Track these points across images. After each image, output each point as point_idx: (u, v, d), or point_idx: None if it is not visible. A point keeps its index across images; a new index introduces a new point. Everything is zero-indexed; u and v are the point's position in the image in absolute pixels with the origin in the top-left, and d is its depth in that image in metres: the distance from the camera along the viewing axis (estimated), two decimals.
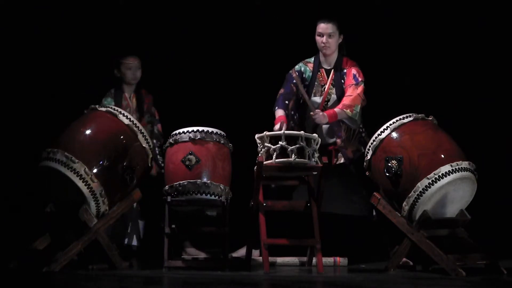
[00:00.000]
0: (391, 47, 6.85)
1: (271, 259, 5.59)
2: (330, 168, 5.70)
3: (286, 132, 5.32)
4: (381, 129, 5.46)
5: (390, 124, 5.44)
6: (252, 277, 5.08)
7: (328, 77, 5.95)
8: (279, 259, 5.86)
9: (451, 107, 6.64)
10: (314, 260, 5.62)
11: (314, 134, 5.41)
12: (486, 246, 5.34)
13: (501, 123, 6.80)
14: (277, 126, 5.76)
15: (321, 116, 5.77)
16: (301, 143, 5.29)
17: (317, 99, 5.94)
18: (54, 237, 5.37)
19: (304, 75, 5.96)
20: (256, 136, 5.39)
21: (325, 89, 5.94)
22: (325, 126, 5.93)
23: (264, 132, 5.35)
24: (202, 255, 5.98)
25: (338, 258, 5.87)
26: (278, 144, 5.30)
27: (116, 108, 5.49)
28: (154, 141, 6.03)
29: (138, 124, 5.45)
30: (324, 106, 5.94)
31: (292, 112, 5.91)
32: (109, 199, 5.30)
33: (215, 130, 5.53)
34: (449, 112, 6.32)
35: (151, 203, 5.83)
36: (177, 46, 6.90)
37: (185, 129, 5.52)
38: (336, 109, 5.81)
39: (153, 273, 5.29)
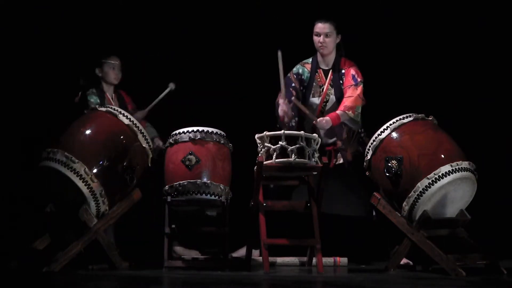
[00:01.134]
0: (391, 47, 6.85)
1: (271, 259, 5.59)
2: (329, 168, 5.69)
3: (286, 132, 5.32)
4: (381, 129, 5.46)
5: (390, 124, 5.44)
6: (252, 277, 5.08)
7: (326, 78, 5.95)
8: (279, 259, 5.86)
9: (451, 107, 6.64)
10: (314, 260, 5.62)
11: (314, 134, 5.41)
12: (486, 246, 5.34)
13: (501, 123, 6.79)
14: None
15: (324, 123, 5.76)
16: (301, 143, 5.29)
17: (316, 100, 5.94)
18: (54, 237, 5.37)
19: (302, 77, 5.96)
20: (256, 136, 5.39)
21: (324, 90, 5.94)
22: None
23: (264, 132, 5.35)
24: (192, 254, 5.97)
25: (338, 258, 5.87)
26: (278, 144, 5.30)
27: (116, 108, 5.49)
28: None
29: (138, 124, 5.45)
30: (322, 107, 5.93)
31: (293, 113, 5.90)
32: (109, 199, 5.30)
33: (215, 130, 5.54)
34: (449, 112, 6.31)
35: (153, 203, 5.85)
36: (177, 46, 6.90)
37: (185, 129, 5.53)
38: (338, 111, 5.80)
39: (153, 273, 5.29)
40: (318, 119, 5.78)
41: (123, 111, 5.47)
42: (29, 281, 4.80)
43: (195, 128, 5.52)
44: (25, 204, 6.35)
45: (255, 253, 5.76)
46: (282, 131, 5.31)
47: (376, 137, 5.46)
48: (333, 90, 5.93)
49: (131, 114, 5.59)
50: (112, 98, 6.21)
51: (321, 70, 5.97)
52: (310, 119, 5.83)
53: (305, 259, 5.78)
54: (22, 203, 6.39)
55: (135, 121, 5.45)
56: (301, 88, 5.94)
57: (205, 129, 5.52)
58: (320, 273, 5.24)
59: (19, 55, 6.66)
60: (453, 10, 6.83)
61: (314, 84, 5.95)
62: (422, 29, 6.86)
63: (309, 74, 5.96)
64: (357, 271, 5.55)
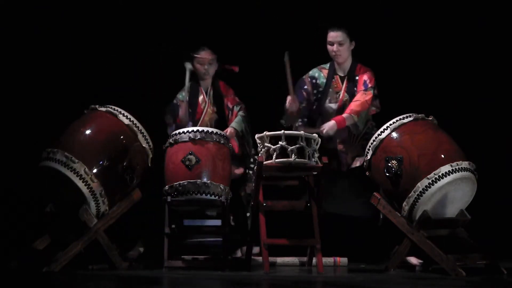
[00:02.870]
0: (391, 48, 6.85)
1: (271, 259, 5.59)
2: (342, 171, 5.66)
3: (286, 132, 5.32)
4: (381, 129, 5.46)
5: (390, 124, 5.44)
6: (252, 277, 5.08)
7: (342, 84, 5.94)
8: (279, 259, 5.86)
9: (451, 107, 6.64)
10: (314, 260, 5.62)
11: (314, 134, 5.41)
12: (486, 246, 5.34)
13: (501, 123, 6.79)
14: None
15: (329, 129, 5.74)
16: (301, 143, 5.29)
17: (333, 106, 5.93)
18: (54, 237, 5.37)
19: (317, 81, 5.96)
20: (256, 136, 5.39)
21: (340, 97, 5.93)
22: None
23: (264, 132, 5.35)
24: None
25: (338, 258, 5.87)
26: (278, 144, 5.30)
27: (116, 108, 5.49)
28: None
29: (138, 124, 5.45)
30: (339, 113, 5.90)
31: (300, 109, 5.89)
32: (109, 199, 5.30)
33: (215, 130, 5.54)
34: (449, 112, 6.31)
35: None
36: (177, 46, 6.89)
37: (185, 129, 5.52)
38: (344, 115, 5.79)
39: (153, 273, 5.29)
40: (321, 128, 5.75)
41: (123, 111, 5.46)
42: (29, 281, 4.80)
43: (195, 128, 5.52)
44: (25, 204, 6.35)
45: (256, 249, 5.72)
46: (282, 131, 5.31)
47: (376, 137, 5.45)
48: (348, 97, 5.92)
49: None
50: (207, 92, 6.16)
51: (338, 76, 5.97)
52: (290, 93, 5.78)
53: (305, 259, 5.78)
54: (22, 203, 6.39)
55: (135, 121, 5.45)
56: (315, 92, 5.94)
57: (205, 129, 5.51)
58: (320, 273, 5.24)
59: (20, 55, 6.66)
60: (453, 10, 6.83)
61: (330, 90, 5.95)
62: (422, 29, 6.86)
63: (325, 80, 5.95)
64: (357, 271, 5.55)
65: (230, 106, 6.14)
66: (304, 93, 5.92)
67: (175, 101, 6.12)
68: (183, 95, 6.11)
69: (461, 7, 6.80)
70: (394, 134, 5.42)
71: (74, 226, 5.27)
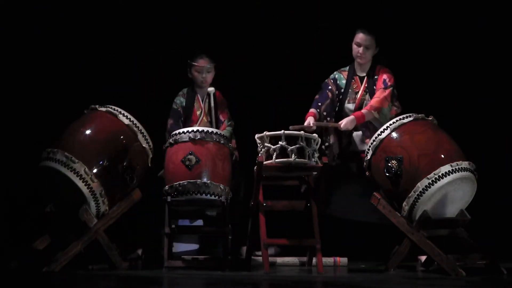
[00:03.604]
0: (391, 47, 6.84)
1: (271, 259, 5.59)
2: (364, 177, 5.62)
3: (286, 132, 5.32)
4: (381, 129, 5.46)
5: (390, 124, 5.44)
6: (252, 277, 5.08)
7: (361, 84, 5.95)
8: (279, 259, 5.86)
9: (451, 107, 6.64)
10: (314, 260, 5.62)
11: (314, 134, 5.41)
12: (486, 246, 5.34)
13: (501, 123, 6.79)
14: (305, 122, 5.75)
15: (348, 123, 5.74)
16: (301, 143, 5.29)
17: (350, 106, 5.94)
18: (54, 237, 5.37)
19: (338, 82, 5.97)
20: (256, 136, 5.39)
21: (358, 96, 5.94)
22: (359, 133, 5.89)
23: (264, 132, 5.34)
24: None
25: (338, 258, 5.87)
26: (278, 144, 5.30)
27: (116, 108, 5.49)
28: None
29: (138, 124, 5.45)
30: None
31: (325, 113, 5.89)
32: (109, 199, 5.30)
33: (215, 130, 5.54)
34: (449, 112, 6.31)
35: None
36: (179, 47, 6.90)
37: (185, 129, 5.52)
38: (363, 110, 5.79)
39: (153, 273, 5.29)
40: (341, 123, 5.75)
41: (123, 111, 5.46)
42: (29, 281, 4.80)
43: (195, 128, 5.52)
44: (25, 204, 6.35)
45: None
46: (282, 131, 5.31)
47: (376, 137, 5.45)
48: (367, 95, 5.92)
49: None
50: (203, 100, 6.16)
51: (357, 77, 5.97)
52: (334, 127, 5.81)
53: (305, 259, 5.78)
54: (22, 203, 6.39)
55: (135, 121, 5.45)
56: (337, 93, 5.94)
57: (205, 129, 5.51)
58: (320, 273, 5.24)
59: (20, 55, 6.65)
60: (453, 10, 6.83)
61: (350, 90, 5.95)
62: (422, 29, 6.86)
63: (345, 81, 5.96)
64: (357, 271, 5.55)
65: (222, 119, 6.14)
66: (329, 94, 5.93)
67: (175, 106, 6.12)
68: (181, 100, 6.12)
69: (461, 7, 6.80)
70: (394, 134, 5.42)
71: (74, 226, 5.27)
